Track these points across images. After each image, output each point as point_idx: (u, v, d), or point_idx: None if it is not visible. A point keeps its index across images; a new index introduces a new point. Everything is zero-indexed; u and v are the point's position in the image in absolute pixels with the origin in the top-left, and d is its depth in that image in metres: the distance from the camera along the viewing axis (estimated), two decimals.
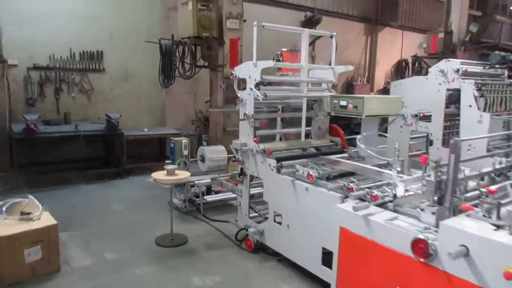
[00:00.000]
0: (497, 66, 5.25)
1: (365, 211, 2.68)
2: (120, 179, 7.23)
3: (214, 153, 5.94)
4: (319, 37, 4.95)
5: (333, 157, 4.25)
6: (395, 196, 2.77)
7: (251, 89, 4.08)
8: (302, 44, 4.27)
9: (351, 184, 3.08)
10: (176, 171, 4.41)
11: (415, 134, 5.20)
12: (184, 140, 5.49)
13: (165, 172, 4.41)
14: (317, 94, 4.53)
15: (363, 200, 2.94)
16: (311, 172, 3.44)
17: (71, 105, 7.62)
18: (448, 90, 4.92)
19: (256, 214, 4.61)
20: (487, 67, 5.19)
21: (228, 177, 5.00)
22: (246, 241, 4.37)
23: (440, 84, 4.84)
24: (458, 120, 5.72)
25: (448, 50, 10.12)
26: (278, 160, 3.94)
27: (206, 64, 6.68)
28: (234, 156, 4.59)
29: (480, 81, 4.71)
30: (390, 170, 3.82)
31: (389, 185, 3.17)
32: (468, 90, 4.63)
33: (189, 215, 5.43)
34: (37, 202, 3.75)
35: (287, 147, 4.30)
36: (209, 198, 5.53)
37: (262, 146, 4.00)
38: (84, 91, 7.75)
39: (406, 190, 2.81)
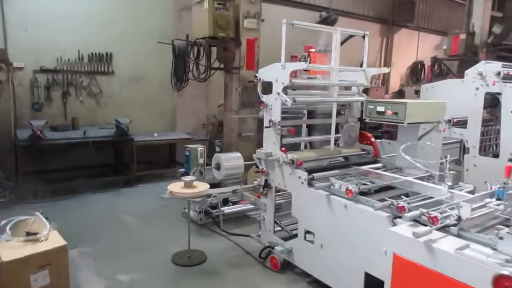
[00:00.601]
0: None
1: (427, 237, 2.28)
2: (129, 187, 6.87)
3: (231, 160, 5.55)
4: (350, 36, 4.54)
5: (366, 167, 3.89)
6: (459, 218, 2.37)
7: (278, 93, 3.70)
8: (333, 44, 3.89)
9: (402, 203, 2.69)
10: (194, 183, 4.03)
11: (446, 140, 4.81)
12: (200, 148, 5.12)
13: (181, 184, 4.04)
14: (349, 99, 4.14)
15: (417, 222, 2.55)
16: (350, 187, 3.05)
17: (79, 110, 7.28)
18: (487, 94, 4.54)
19: (279, 228, 4.24)
20: None
21: (250, 188, 4.60)
22: (271, 259, 3.98)
23: (477, 88, 4.45)
24: (492, 125, 5.33)
25: (470, 52, 9.69)
26: (309, 171, 3.56)
27: (222, 66, 6.31)
28: (256, 166, 4.22)
29: None
30: (433, 183, 3.47)
31: (440, 203, 2.79)
32: (510, 95, 4.24)
33: (205, 228, 5.05)
34: (44, 219, 3.38)
35: (317, 156, 3.91)
36: (227, 209, 5.14)
37: (290, 156, 3.62)
38: (93, 95, 7.41)
39: (473, 211, 2.41)
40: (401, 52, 12.47)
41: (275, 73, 3.71)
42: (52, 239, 3.34)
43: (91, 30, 7.21)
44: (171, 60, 6.26)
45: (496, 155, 4.98)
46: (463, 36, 9.67)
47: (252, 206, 5.22)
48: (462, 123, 4.65)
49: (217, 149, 7.20)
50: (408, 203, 2.69)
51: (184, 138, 7.64)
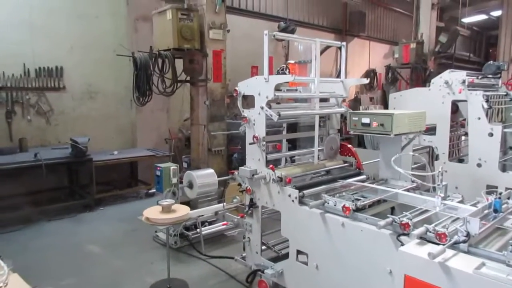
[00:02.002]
0: (490, 76, 5.14)
1: (441, 257, 2.20)
2: (89, 212, 6.31)
3: (203, 177, 5.30)
4: (327, 47, 4.49)
5: (352, 180, 3.80)
6: (468, 234, 2.32)
7: (262, 108, 3.52)
8: (313, 55, 3.80)
9: (405, 219, 2.61)
10: (173, 207, 3.72)
11: (415, 147, 4.92)
12: (173, 167, 4.79)
13: (159, 208, 3.70)
14: (332, 110, 4.06)
15: (424, 239, 2.47)
16: (347, 204, 2.93)
17: (27, 130, 6.62)
18: (454, 101, 4.70)
19: (264, 247, 4.03)
20: (480, 77, 5.04)
21: (232, 208, 4.35)
22: (259, 283, 3.75)
23: (444, 96, 4.60)
24: (455, 131, 5.54)
25: (420, 60, 10.21)
26: (298, 188, 3.41)
27: (188, 78, 6.03)
28: (240, 184, 3.99)
29: (487, 93, 4.54)
30: (420, 193, 3.47)
31: (438, 216, 2.77)
32: (476, 102, 4.41)
33: (181, 252, 4.71)
34: (1, 263, 2.89)
35: (303, 171, 3.77)
36: (205, 230, 4.85)
37: (278, 173, 3.44)
38: (42, 113, 6.76)
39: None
40: (355, 61, 12.88)
41: (258, 86, 3.53)
42: (13, 285, 2.86)
43: (36, 41, 6.60)
44: (127, 73, 5.90)
45: (461, 160, 5.18)
46: (413, 45, 10.17)
47: (231, 225, 4.99)
48: (430, 130, 4.77)
49: (185, 165, 6.86)
50: (411, 219, 2.62)
51: (147, 155, 7.20)
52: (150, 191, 7.28)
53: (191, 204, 5.64)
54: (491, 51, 19.08)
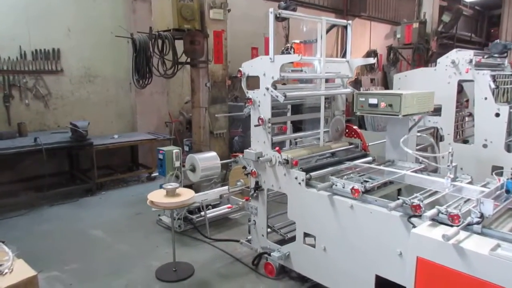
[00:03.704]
0: (496, 55, 5.03)
1: (455, 238, 2.17)
2: (91, 196, 6.27)
3: (206, 161, 5.24)
4: (332, 26, 4.36)
5: (358, 162, 3.76)
6: (482, 215, 2.28)
7: (267, 89, 3.44)
8: (319, 34, 3.69)
9: (416, 201, 2.56)
10: (178, 191, 3.67)
11: (420, 128, 4.86)
12: (176, 150, 4.73)
13: (163, 192, 3.66)
14: (337, 91, 3.98)
15: (436, 221, 2.44)
16: (356, 186, 2.88)
17: (25, 114, 6.50)
18: (460, 81, 4.61)
19: (269, 231, 4.01)
20: (486, 56, 4.94)
21: (237, 192, 4.30)
22: (265, 265, 3.75)
23: (450, 76, 4.51)
24: (459, 112, 5.47)
25: (422, 40, 10.05)
26: (305, 171, 3.36)
27: (188, 60, 5.90)
28: (244, 167, 3.94)
29: (493, 73, 4.45)
30: (428, 175, 3.43)
31: (448, 198, 2.75)
32: (483, 82, 4.32)
33: (186, 235, 4.69)
34: (6, 248, 2.86)
35: (308, 154, 3.71)
36: (209, 213, 4.82)
37: (285, 155, 3.39)
38: (40, 97, 6.64)
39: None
40: (356, 41, 12.65)
41: (263, 66, 3.44)
42: (18, 270, 2.83)
43: (32, 23, 6.41)
44: (126, 56, 5.75)
45: (465, 141, 5.13)
46: (415, 25, 10.00)
47: (235, 207, 4.96)
48: (435, 111, 4.69)
49: (186, 148, 6.80)
50: (422, 201, 2.58)
51: (148, 139, 7.13)
52: (151, 174, 7.24)
53: (194, 187, 5.62)
54: (492, 31, 18.83)
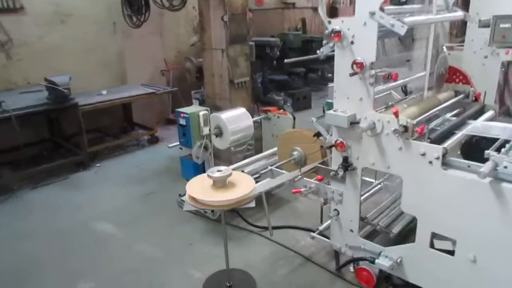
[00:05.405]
0: None
1: None
2: (83, 171, 4.99)
3: (236, 120, 4.03)
4: None
5: (483, 120, 2.61)
6: None
7: (372, 13, 2.13)
8: None
9: None
10: (229, 180, 2.44)
11: None
12: (203, 112, 3.44)
13: (207, 181, 2.42)
14: (452, 15, 2.69)
15: None
16: None
17: None
18: None
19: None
20: None
21: (310, 171, 3.05)
22: (358, 271, 2.69)
23: None
24: None
25: None
26: (433, 142, 2.20)
27: None
28: (318, 135, 2.73)
29: None
30: None
31: None
32: None
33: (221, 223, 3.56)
34: None
35: (420, 112, 2.51)
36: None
37: (403, 120, 2.17)
38: None
39: None
40: None
41: None
42: None
43: None
44: None
45: None
46: None
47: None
48: None
49: (195, 102, 5.43)
50: None
51: (146, 93, 5.71)
52: (153, 135, 5.95)
53: (222, 157, 4.42)
54: None
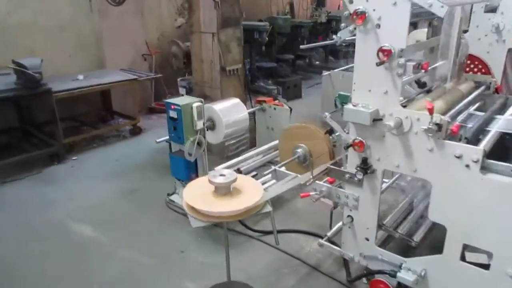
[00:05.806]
0: None
1: None
2: (58, 164, 4.54)
3: (230, 112, 3.71)
4: None
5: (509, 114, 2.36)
6: None
7: None
8: None
9: None
10: (235, 184, 2.10)
11: None
12: (197, 103, 3.05)
13: (208, 187, 2.07)
14: None
15: None
16: None
17: None
18: None
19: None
20: None
21: (322, 172, 2.73)
22: (373, 284, 2.43)
23: None
24: None
25: None
26: (469, 142, 1.94)
27: None
28: (330, 132, 2.43)
29: None
30: None
31: None
32: None
33: (219, 227, 3.23)
34: None
35: (447, 106, 2.24)
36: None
37: (437, 117, 1.89)
38: None
39: None
40: None
41: None
42: None
43: None
44: None
45: None
46: None
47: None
48: None
49: (182, 91, 5.03)
50: None
51: (127, 79, 5.25)
52: (136, 125, 5.50)
53: (214, 151, 4.08)
54: None
